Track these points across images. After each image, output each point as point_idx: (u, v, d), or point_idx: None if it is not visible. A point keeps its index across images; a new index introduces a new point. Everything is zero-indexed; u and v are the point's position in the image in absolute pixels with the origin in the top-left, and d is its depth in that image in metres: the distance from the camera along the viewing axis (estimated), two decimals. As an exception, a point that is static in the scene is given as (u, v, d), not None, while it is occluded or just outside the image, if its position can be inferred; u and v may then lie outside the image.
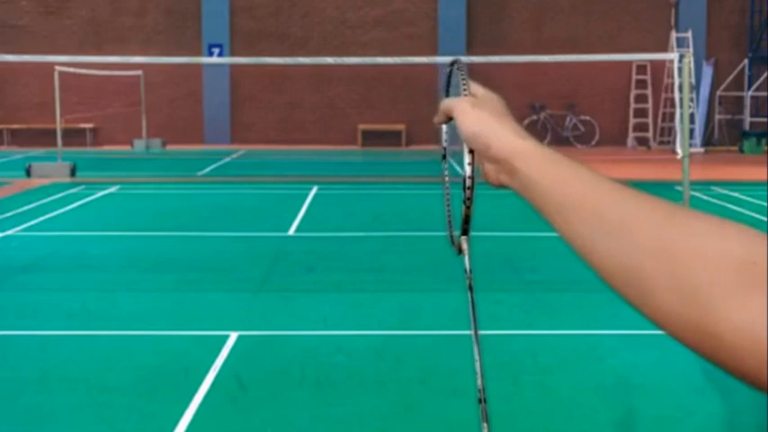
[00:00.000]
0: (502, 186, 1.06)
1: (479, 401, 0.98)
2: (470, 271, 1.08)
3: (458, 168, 1.09)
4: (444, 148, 1.21)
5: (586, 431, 4.86)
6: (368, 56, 19.44)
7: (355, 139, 24.96)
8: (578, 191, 0.91)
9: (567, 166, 0.95)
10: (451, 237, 1.16)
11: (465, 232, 1.12)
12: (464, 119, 1.07)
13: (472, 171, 1.09)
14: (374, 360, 6.00)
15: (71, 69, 18.43)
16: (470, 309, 1.04)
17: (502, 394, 5.14)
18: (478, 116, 1.06)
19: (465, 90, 1.12)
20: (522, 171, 1.00)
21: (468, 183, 1.09)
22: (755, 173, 17.02)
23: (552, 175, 0.96)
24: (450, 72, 1.20)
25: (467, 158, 1.08)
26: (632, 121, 25.07)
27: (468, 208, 1.10)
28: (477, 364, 1.01)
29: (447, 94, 1.19)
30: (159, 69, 23.69)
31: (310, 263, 9.14)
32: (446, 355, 6.03)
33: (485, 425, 0.97)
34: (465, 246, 1.11)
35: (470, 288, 1.06)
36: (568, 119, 25.05)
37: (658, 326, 0.79)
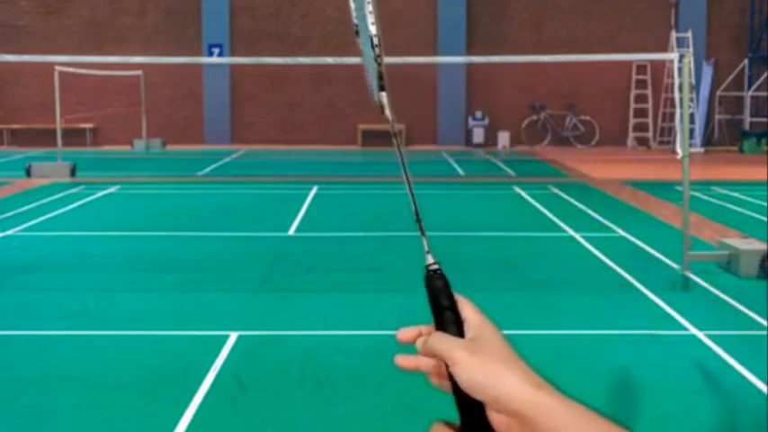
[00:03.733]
0: None
1: (417, 221, 1.12)
2: (393, 121, 1.13)
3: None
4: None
5: None
6: (368, 56, 19.40)
7: (355, 139, 24.96)
8: None
9: (596, 422, 0.91)
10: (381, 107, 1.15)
11: (382, 88, 1.13)
12: (464, 369, 0.97)
13: (377, 29, 1.11)
14: (374, 360, 5.99)
15: (71, 69, 18.43)
16: (398, 151, 1.12)
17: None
18: (480, 364, 0.96)
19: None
20: (544, 429, 0.92)
21: (375, 41, 1.11)
22: (755, 173, 17.02)
23: None
24: None
25: (369, 18, 1.10)
26: (632, 121, 25.07)
27: (379, 65, 1.11)
28: (412, 200, 1.11)
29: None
30: (159, 69, 23.69)
31: (310, 263, 9.14)
32: (446, 355, 6.02)
33: (424, 239, 1.10)
34: (385, 100, 1.14)
35: (395, 135, 1.13)
36: (568, 119, 25.05)
37: None
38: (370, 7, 1.11)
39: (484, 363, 0.96)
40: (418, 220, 1.12)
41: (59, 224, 11.39)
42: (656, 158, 21.53)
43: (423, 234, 1.11)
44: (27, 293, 7.78)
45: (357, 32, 1.12)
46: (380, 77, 1.12)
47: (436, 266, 1.08)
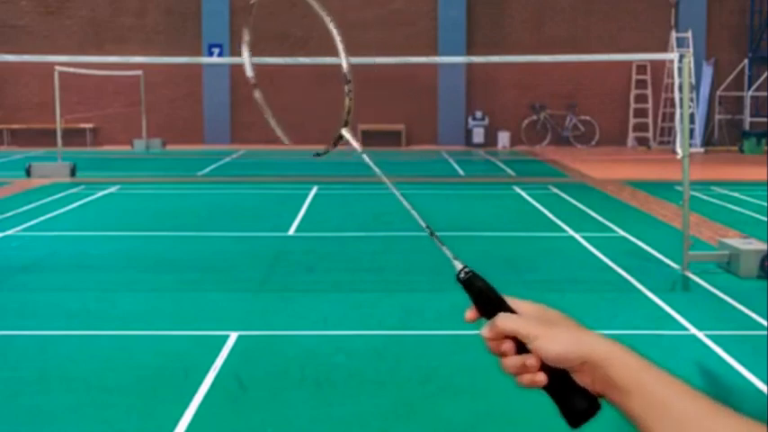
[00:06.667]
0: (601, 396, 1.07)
1: (430, 235, 1.17)
2: (361, 150, 1.20)
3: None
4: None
5: (587, 431, 4.86)
6: (368, 56, 19.44)
7: (355, 140, 24.94)
8: (678, 406, 1.00)
9: (665, 377, 1.04)
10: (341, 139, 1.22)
11: (346, 123, 1.19)
12: (549, 341, 1.05)
13: (349, 64, 1.15)
14: (374, 360, 6.00)
15: (71, 69, 18.43)
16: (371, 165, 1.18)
17: (503, 394, 5.14)
18: (560, 332, 1.06)
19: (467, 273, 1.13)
20: (623, 378, 1.03)
21: (348, 77, 1.15)
22: (755, 173, 17.02)
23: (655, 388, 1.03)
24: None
25: (342, 56, 1.15)
26: (632, 121, 25.07)
27: (350, 100, 1.16)
28: (421, 221, 1.17)
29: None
30: (159, 69, 23.69)
31: (310, 263, 9.14)
32: (446, 355, 6.03)
33: (445, 248, 1.16)
34: (348, 135, 1.19)
35: (373, 165, 1.20)
36: (568, 119, 25.05)
37: None
38: (341, 45, 1.16)
39: (562, 331, 1.05)
40: (432, 234, 1.17)
41: (59, 224, 11.39)
42: (656, 158, 21.53)
43: (442, 244, 1.16)
44: (27, 293, 7.78)
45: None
46: (348, 112, 1.17)
47: (469, 269, 1.12)
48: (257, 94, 1.26)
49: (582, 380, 1.05)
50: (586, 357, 1.03)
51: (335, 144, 1.19)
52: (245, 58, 1.27)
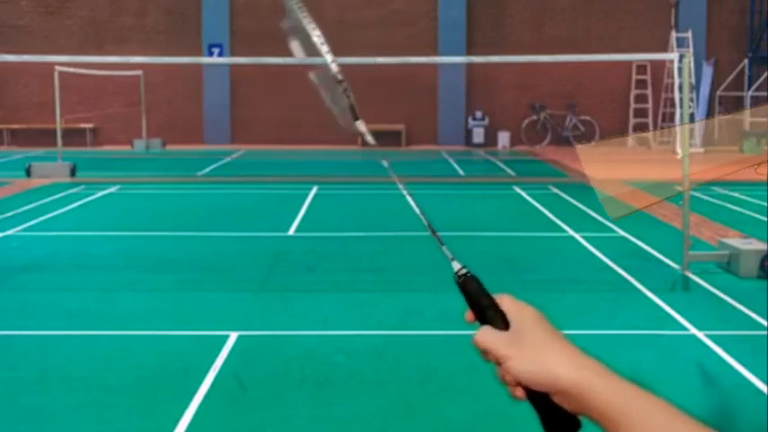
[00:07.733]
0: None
1: (432, 234, 1.19)
2: (372, 138, 1.20)
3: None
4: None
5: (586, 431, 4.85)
6: (368, 56, 19.44)
7: (355, 139, 24.94)
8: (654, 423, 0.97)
9: (642, 398, 1.00)
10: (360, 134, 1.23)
11: (356, 118, 1.20)
12: (516, 364, 1.04)
13: (337, 65, 1.17)
14: (374, 360, 6.00)
15: (71, 69, 18.43)
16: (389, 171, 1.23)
17: (503, 395, 5.14)
18: (528, 355, 1.04)
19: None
20: (593, 404, 1.01)
21: (339, 77, 1.18)
22: (755, 173, 16.99)
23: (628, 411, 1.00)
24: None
25: (329, 57, 1.17)
26: (632, 121, 25.07)
27: (349, 98, 1.18)
28: (417, 209, 1.20)
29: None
30: (159, 69, 23.69)
31: (310, 263, 9.14)
32: (446, 355, 6.03)
33: (444, 248, 1.17)
34: (363, 128, 1.20)
35: (390, 168, 1.22)
36: (568, 119, 25.05)
37: None
38: (325, 47, 1.18)
39: (531, 353, 1.03)
40: (434, 232, 1.19)
41: (59, 224, 11.39)
42: (656, 158, 21.53)
43: (442, 244, 1.17)
44: (27, 293, 7.78)
45: (341, 80, 1.20)
46: (353, 109, 1.19)
47: (465, 270, 1.13)
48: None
49: (559, 401, 1.04)
50: (550, 388, 1.02)
51: (364, 140, 1.21)
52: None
